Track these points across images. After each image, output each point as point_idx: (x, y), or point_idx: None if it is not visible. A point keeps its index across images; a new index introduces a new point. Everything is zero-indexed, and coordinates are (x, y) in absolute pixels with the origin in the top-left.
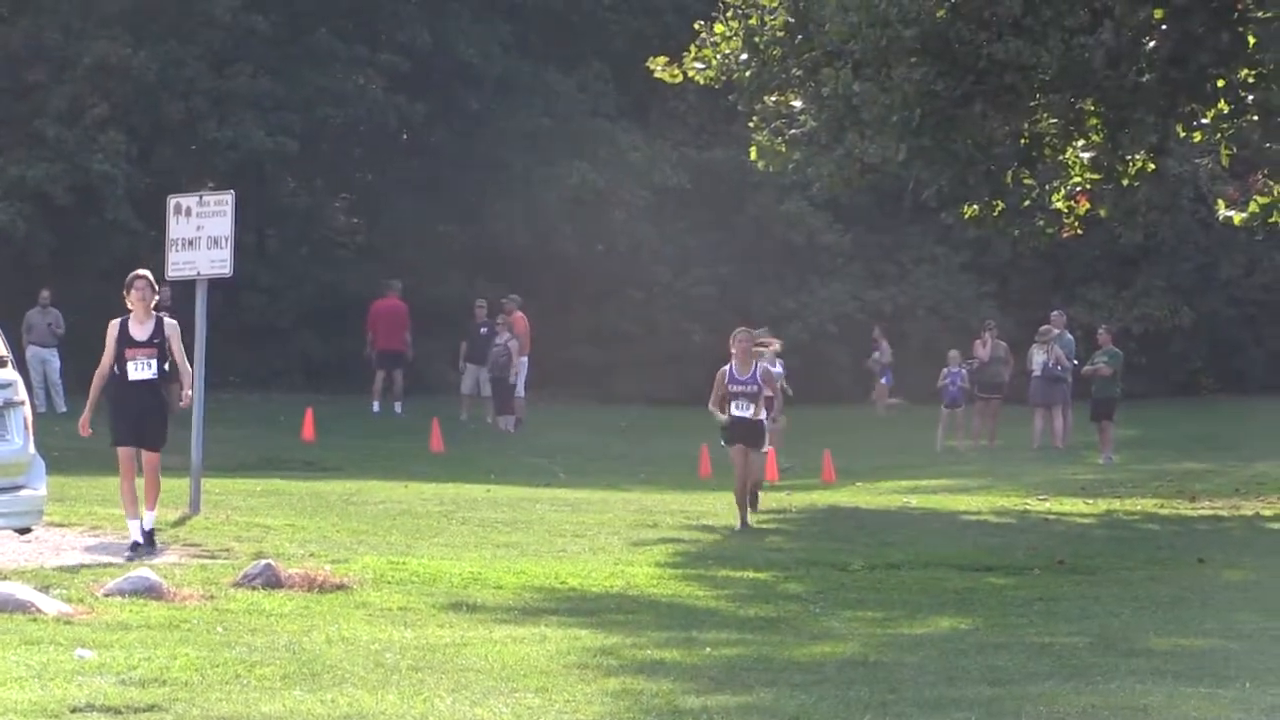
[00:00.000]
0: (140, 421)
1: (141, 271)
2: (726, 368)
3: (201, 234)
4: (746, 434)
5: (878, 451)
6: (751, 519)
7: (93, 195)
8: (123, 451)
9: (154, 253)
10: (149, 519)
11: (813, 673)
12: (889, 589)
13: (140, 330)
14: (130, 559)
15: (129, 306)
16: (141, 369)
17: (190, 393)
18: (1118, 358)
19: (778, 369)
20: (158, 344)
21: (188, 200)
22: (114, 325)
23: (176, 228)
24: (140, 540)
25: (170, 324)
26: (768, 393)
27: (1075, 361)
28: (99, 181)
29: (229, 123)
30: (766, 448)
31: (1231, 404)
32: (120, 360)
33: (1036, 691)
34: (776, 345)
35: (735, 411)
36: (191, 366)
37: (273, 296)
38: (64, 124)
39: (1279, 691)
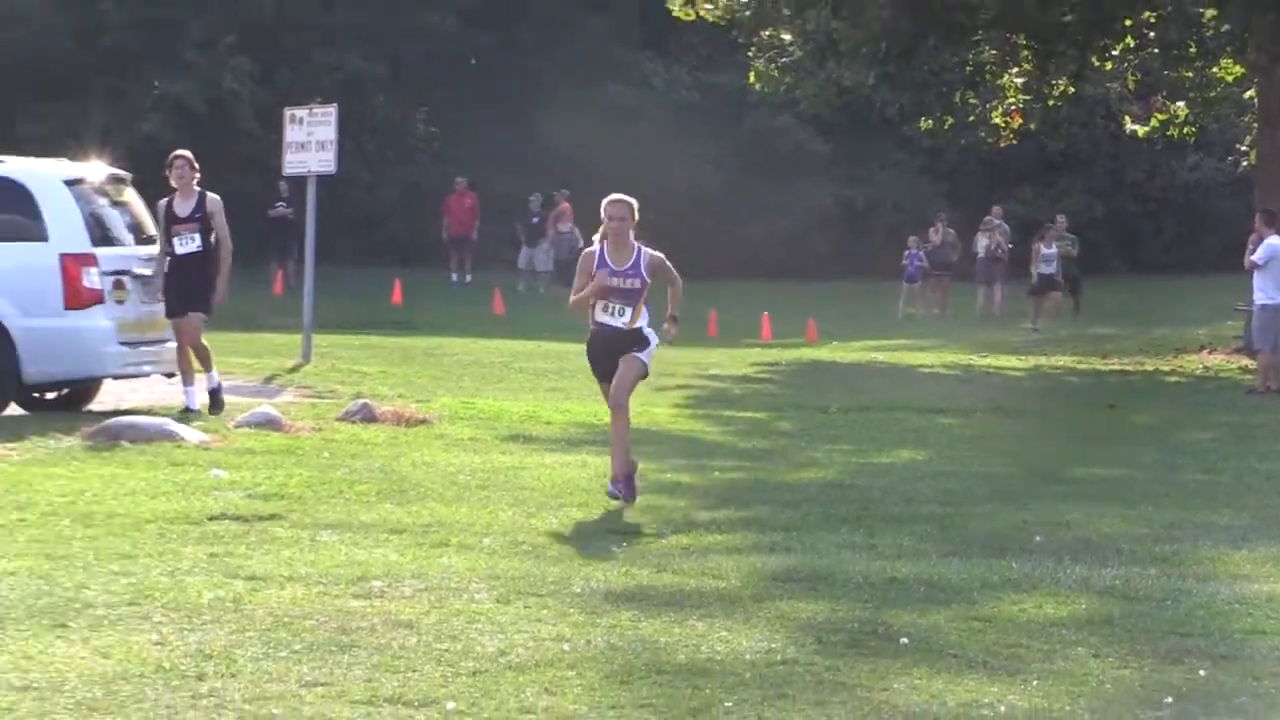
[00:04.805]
0: (186, 292)
1: (181, 151)
2: (595, 250)
3: (311, 139)
4: (615, 348)
5: (851, 318)
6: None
7: (224, 108)
8: (176, 322)
9: (273, 155)
10: (212, 379)
11: (800, 493)
12: (860, 427)
13: (183, 207)
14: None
15: (172, 185)
16: (186, 243)
17: (224, 288)
18: (1077, 241)
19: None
20: (199, 219)
21: (300, 111)
22: (160, 205)
23: (291, 134)
24: (194, 406)
25: (212, 199)
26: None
27: (1012, 245)
28: (229, 97)
29: (334, 50)
30: (651, 346)
31: (1135, 282)
32: (168, 236)
33: (979, 511)
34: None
35: (602, 317)
36: (303, 247)
37: (368, 191)
38: (201, 51)
39: (1174, 511)
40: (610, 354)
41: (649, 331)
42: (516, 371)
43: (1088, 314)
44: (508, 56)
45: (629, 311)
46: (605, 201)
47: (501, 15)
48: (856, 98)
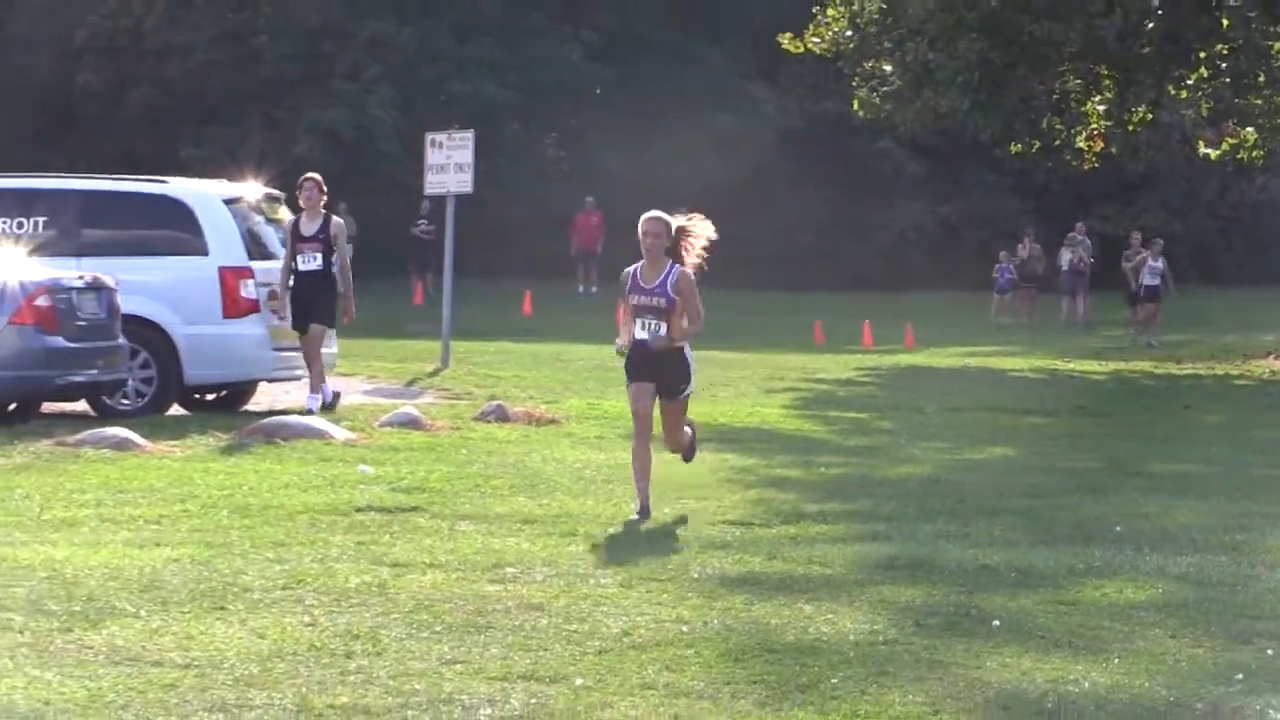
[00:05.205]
0: (308, 308)
1: (311, 174)
2: (632, 269)
3: (450, 161)
4: (653, 367)
5: (945, 326)
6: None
7: (369, 133)
8: (302, 338)
9: (413, 177)
10: (312, 400)
11: (899, 487)
12: (955, 426)
13: (309, 227)
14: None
15: (301, 205)
16: (308, 261)
17: (352, 307)
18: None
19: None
20: (322, 239)
21: (440, 136)
22: (288, 223)
23: (432, 157)
24: (328, 400)
25: (336, 222)
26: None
27: (1094, 259)
28: (373, 124)
29: (468, 80)
30: (689, 388)
31: (1208, 293)
32: (293, 254)
33: (1064, 503)
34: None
35: (640, 334)
36: (442, 261)
37: (501, 210)
38: (348, 81)
39: (1244, 504)
40: (646, 368)
41: (691, 357)
42: None
43: (1162, 323)
44: (629, 87)
45: (663, 327)
46: (642, 218)
47: (624, 48)
48: (951, 123)
